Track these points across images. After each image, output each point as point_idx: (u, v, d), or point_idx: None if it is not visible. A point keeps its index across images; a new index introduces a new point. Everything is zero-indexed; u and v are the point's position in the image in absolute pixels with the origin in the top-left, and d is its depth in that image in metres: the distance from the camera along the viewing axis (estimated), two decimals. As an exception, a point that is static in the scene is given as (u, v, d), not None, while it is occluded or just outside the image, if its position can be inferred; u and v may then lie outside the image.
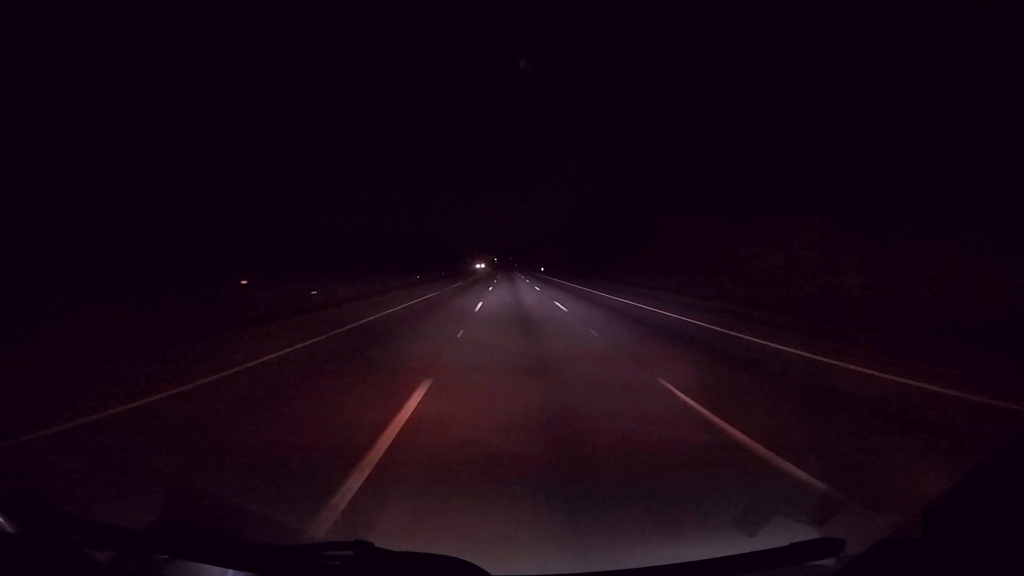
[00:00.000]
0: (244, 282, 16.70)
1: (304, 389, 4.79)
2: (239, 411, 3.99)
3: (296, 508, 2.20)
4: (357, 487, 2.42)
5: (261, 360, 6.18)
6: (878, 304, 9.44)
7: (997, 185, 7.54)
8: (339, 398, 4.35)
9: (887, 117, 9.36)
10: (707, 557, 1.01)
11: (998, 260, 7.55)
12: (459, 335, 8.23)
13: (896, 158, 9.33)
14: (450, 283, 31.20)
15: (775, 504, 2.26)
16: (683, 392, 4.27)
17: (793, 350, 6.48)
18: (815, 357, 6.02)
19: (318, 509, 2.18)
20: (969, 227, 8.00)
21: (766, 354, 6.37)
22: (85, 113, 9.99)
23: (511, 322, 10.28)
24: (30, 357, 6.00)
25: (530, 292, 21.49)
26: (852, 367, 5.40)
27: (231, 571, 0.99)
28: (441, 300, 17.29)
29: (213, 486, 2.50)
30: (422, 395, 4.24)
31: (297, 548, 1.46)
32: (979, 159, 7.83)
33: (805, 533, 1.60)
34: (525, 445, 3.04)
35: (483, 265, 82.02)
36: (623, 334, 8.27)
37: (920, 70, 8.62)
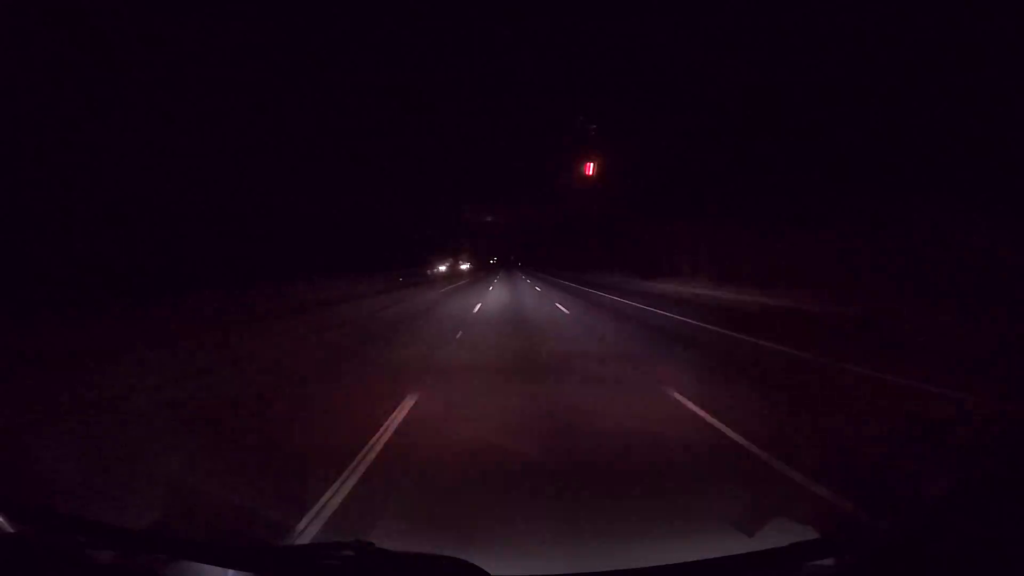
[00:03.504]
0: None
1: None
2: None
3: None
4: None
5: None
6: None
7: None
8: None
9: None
10: (707, 557, 1.01)
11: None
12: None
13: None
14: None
15: (775, 504, 2.26)
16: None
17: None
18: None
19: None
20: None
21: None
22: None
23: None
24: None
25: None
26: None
27: (231, 571, 0.99)
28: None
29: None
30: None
31: (297, 548, 1.46)
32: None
33: (805, 533, 1.60)
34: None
35: (467, 266, 55.56)
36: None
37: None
